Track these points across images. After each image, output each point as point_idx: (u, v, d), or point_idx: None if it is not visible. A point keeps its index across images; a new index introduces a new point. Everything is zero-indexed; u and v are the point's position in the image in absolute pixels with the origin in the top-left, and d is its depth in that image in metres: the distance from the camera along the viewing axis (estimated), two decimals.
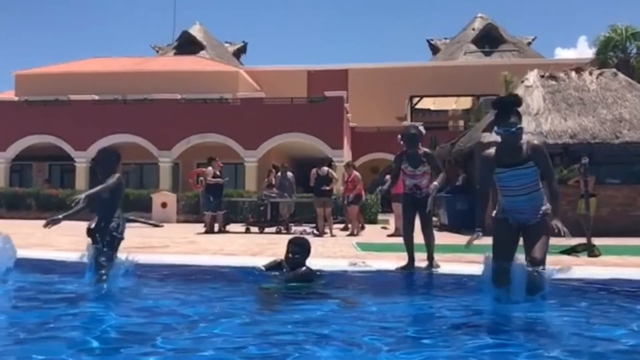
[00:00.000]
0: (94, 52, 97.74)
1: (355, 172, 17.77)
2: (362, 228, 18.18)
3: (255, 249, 11.55)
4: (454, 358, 3.80)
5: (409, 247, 8.11)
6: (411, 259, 8.08)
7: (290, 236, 8.61)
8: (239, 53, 51.27)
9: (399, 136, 8.20)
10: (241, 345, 3.99)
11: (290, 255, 6.79)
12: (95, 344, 4.00)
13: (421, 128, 8.07)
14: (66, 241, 11.31)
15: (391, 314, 5.24)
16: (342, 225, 18.46)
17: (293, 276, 6.60)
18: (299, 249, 6.84)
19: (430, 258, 8.08)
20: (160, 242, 13.38)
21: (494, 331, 4.68)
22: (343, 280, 7.18)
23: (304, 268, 6.71)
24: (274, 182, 19.00)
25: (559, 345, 4.11)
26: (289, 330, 4.51)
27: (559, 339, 4.37)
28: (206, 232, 17.18)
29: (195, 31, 48.33)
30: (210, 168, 17.97)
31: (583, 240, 10.41)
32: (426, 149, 8.22)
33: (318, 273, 6.83)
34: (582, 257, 9.85)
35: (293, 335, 4.34)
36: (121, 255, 6.39)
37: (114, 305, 5.51)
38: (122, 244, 6.46)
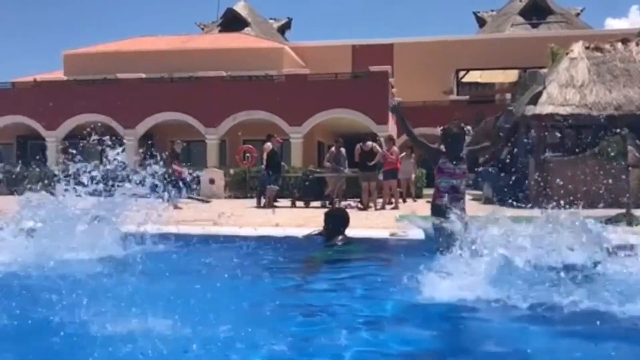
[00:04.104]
0: (141, 30, 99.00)
1: (395, 147, 17.93)
2: (390, 203, 17.71)
3: (300, 221, 11.87)
4: None
5: None
6: None
7: None
8: (283, 29, 51.24)
9: (440, 131, 7.58)
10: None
11: (327, 226, 7.09)
12: None
13: (468, 127, 7.24)
14: None
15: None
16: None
17: (331, 245, 6.90)
18: (336, 220, 7.15)
19: None
20: (210, 216, 13.79)
21: None
22: (382, 247, 7.47)
23: (340, 237, 7.01)
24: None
25: None
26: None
27: None
28: (271, 206, 17.39)
29: (240, 8, 48.43)
30: (268, 144, 18.37)
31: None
32: (468, 147, 7.31)
33: (354, 241, 7.13)
34: (621, 226, 9.93)
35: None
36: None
37: None
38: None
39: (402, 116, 7.56)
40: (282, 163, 20.31)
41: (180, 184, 17.88)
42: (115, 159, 7.48)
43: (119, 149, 7.57)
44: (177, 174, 17.76)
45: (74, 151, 7.79)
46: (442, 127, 7.40)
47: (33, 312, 4.06)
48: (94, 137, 8.88)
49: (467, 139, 7.39)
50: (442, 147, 7.02)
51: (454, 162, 6.90)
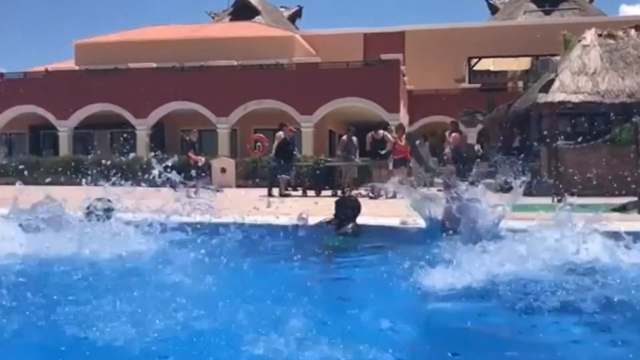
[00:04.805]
0: (152, 20, 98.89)
1: (404, 136, 17.93)
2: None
3: (311, 210, 11.86)
4: None
5: None
6: None
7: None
8: (294, 17, 51.10)
9: (451, 149, 7.47)
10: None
11: (337, 214, 7.12)
12: None
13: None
14: None
15: None
16: None
17: (341, 233, 6.93)
18: (346, 208, 7.17)
19: None
20: (222, 205, 13.82)
21: None
22: (392, 235, 7.48)
23: (350, 225, 7.03)
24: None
25: None
26: None
27: None
28: (284, 195, 17.32)
29: None
30: (281, 133, 18.34)
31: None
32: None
33: (364, 230, 7.14)
34: (632, 214, 9.89)
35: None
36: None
37: None
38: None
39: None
40: (295, 152, 20.27)
41: (196, 172, 17.85)
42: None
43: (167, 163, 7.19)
44: (193, 162, 17.78)
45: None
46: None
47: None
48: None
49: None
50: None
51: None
